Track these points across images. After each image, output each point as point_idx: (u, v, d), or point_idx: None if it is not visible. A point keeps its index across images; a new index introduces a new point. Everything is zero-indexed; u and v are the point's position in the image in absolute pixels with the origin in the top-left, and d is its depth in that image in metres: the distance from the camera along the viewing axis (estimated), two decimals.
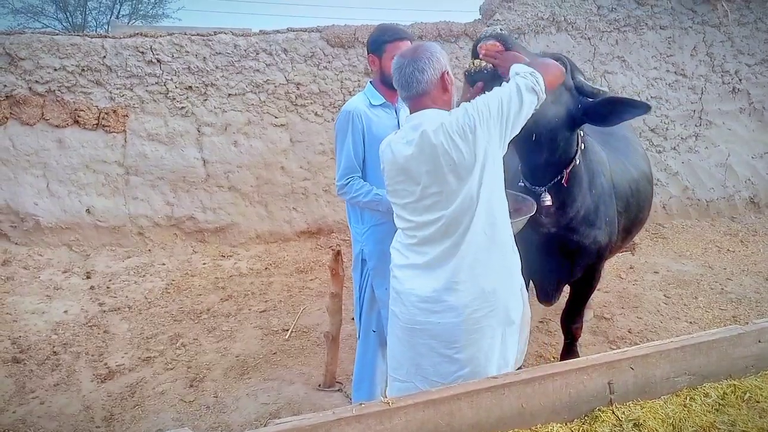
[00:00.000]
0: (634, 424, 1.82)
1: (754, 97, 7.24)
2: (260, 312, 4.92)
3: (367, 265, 3.02)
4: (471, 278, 2.10)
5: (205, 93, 5.92)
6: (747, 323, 2.20)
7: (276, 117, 6.10)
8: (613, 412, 1.89)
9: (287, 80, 6.04)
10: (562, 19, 6.56)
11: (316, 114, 6.18)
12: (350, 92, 6.18)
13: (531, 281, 3.46)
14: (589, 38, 6.71)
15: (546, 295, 3.44)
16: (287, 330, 4.60)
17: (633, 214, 3.45)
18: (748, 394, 2.00)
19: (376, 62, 2.93)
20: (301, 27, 6.07)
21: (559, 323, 3.72)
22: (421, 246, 2.16)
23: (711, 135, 7.16)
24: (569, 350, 3.75)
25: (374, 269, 3.00)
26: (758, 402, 1.98)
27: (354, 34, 6.08)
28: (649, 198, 3.65)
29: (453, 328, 2.12)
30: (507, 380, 1.79)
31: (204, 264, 5.82)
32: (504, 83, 2.13)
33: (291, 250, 6.19)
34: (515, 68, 2.17)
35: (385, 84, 2.94)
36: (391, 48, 2.87)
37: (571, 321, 3.65)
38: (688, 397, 2.02)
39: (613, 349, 4.27)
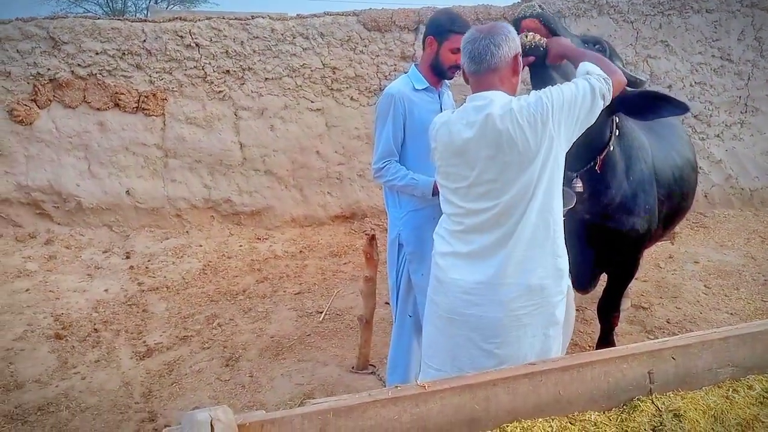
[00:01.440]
0: (675, 415, 1.77)
1: None
2: (295, 294, 4.97)
3: (404, 249, 3.01)
4: (519, 273, 2.03)
5: (242, 77, 5.96)
6: None
7: (312, 101, 6.12)
8: (653, 402, 1.85)
9: (323, 64, 6.04)
10: (604, 2, 6.40)
11: (351, 99, 6.18)
12: (386, 77, 6.16)
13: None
14: (631, 22, 6.53)
15: (582, 284, 3.38)
16: (321, 312, 4.63)
17: (676, 203, 3.37)
18: None
19: (433, 45, 2.86)
20: (338, 11, 6.05)
21: (595, 311, 3.66)
22: (469, 234, 2.09)
23: (757, 122, 6.94)
24: (606, 339, 3.68)
25: (411, 254, 2.99)
26: None
27: (391, 18, 6.04)
28: (693, 186, 3.56)
29: (495, 323, 2.06)
30: (545, 367, 1.76)
31: (240, 246, 5.90)
32: (576, 79, 2.07)
33: (325, 234, 6.23)
34: (587, 66, 2.12)
35: (433, 69, 2.90)
36: (455, 39, 2.78)
37: (609, 310, 3.57)
38: (731, 389, 1.96)
39: (651, 339, 4.22)
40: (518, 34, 2.45)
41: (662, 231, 3.47)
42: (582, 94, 2.01)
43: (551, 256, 2.07)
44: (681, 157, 3.42)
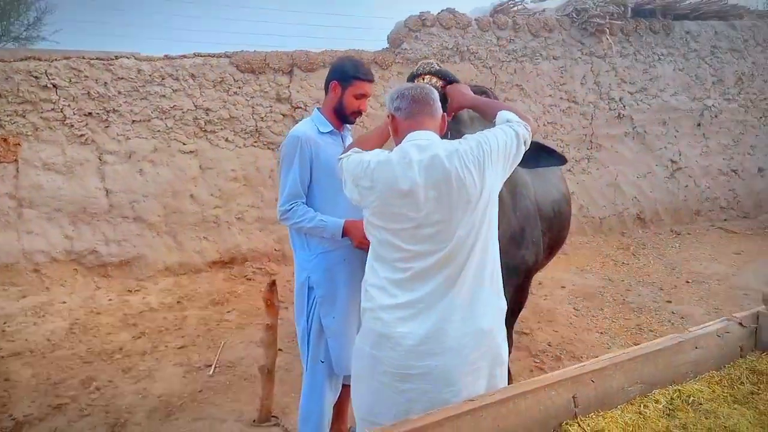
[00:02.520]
0: None
1: (636, 122, 7.90)
2: (178, 348, 4.67)
3: (314, 293, 2.96)
4: (469, 317, 2.03)
5: (106, 119, 5.61)
6: (686, 331, 2.35)
7: (184, 144, 5.89)
8: (579, 425, 1.96)
9: (196, 106, 5.86)
10: (465, 49, 6.85)
11: (226, 140, 6.03)
12: (262, 118, 6.10)
13: None
14: (490, 67, 7.04)
15: None
16: (210, 366, 4.39)
17: (556, 233, 3.63)
18: (692, 398, 2.13)
19: (337, 90, 2.87)
20: (209, 52, 5.92)
21: None
22: (414, 281, 2.03)
23: (601, 157, 7.72)
24: None
25: (322, 297, 2.94)
26: (701, 404, 2.12)
27: (265, 60, 6.02)
28: (569, 217, 3.87)
29: (452, 370, 2.01)
30: (484, 402, 1.80)
31: (109, 300, 5.46)
32: (501, 126, 2.15)
33: (203, 282, 5.96)
34: (506, 115, 2.21)
35: (336, 113, 2.92)
36: (358, 85, 2.84)
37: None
38: (641, 405, 2.13)
39: (536, 362, 4.48)
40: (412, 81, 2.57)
41: (546, 259, 3.73)
42: (510, 140, 2.10)
43: (495, 297, 2.11)
44: (558, 192, 3.71)
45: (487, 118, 2.37)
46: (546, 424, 1.93)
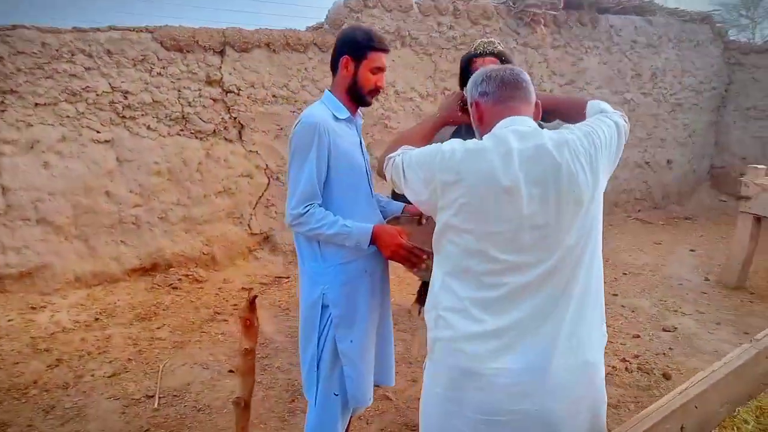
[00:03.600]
0: None
1: None
2: (108, 377, 3.91)
3: (328, 313, 2.45)
4: (575, 347, 1.63)
5: (2, 102, 4.63)
6: (751, 340, 2.21)
7: (98, 132, 5.03)
8: None
9: (112, 88, 5.01)
10: (407, 34, 6.46)
11: (149, 128, 5.22)
12: (189, 103, 5.35)
13: None
14: (430, 54, 6.70)
15: None
16: (152, 396, 3.71)
17: None
18: None
19: (350, 67, 2.40)
20: (127, 26, 5.07)
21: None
22: (507, 302, 1.62)
23: None
24: None
25: (339, 318, 2.44)
26: None
27: (193, 37, 5.27)
28: None
29: (552, 414, 1.62)
30: None
31: (9, 321, 4.53)
32: (600, 117, 1.80)
33: (122, 294, 5.15)
34: (600, 105, 1.89)
35: (351, 94, 2.44)
36: (374, 57, 2.38)
37: None
38: (734, 428, 1.99)
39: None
40: (470, 72, 2.16)
41: None
42: (613, 134, 1.76)
43: (600, 321, 1.73)
44: None
45: (571, 119, 1.97)
46: None
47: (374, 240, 2.34)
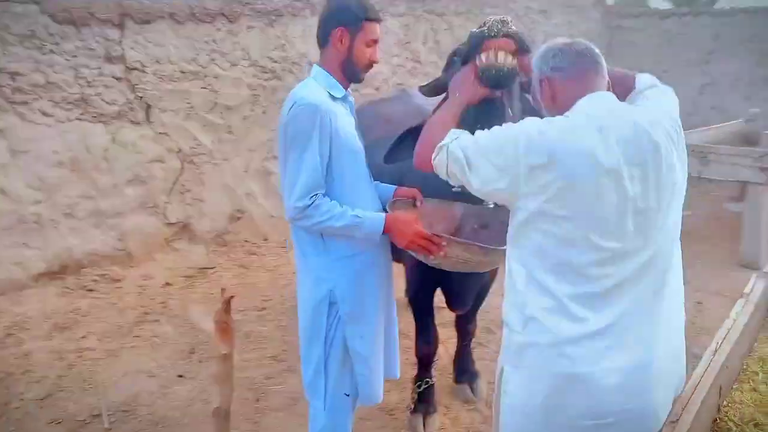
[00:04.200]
0: None
1: None
2: (41, 399, 3.45)
3: (335, 309, 2.26)
4: (671, 337, 1.59)
5: None
6: None
7: None
8: None
9: None
10: (317, 2, 6.15)
11: (44, 113, 4.58)
12: (89, 83, 4.77)
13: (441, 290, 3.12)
14: None
15: (464, 302, 3.18)
16: (99, 415, 3.32)
17: None
18: None
19: (345, 39, 2.18)
20: None
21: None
22: (612, 295, 1.51)
23: None
24: (466, 350, 3.56)
25: (349, 315, 2.26)
26: None
27: (88, 9, 4.66)
28: None
29: (656, 408, 1.57)
30: None
31: None
32: (658, 90, 1.72)
33: (31, 302, 4.54)
34: (646, 78, 1.78)
35: (345, 70, 2.23)
36: (370, 29, 2.19)
37: (470, 320, 3.46)
38: (749, 381, 2.21)
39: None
40: (480, 51, 2.03)
41: None
42: (677, 110, 1.71)
43: (682, 308, 1.69)
44: None
45: (620, 96, 1.76)
46: None
47: (388, 229, 2.17)
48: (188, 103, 5.39)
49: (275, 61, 5.93)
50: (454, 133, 1.78)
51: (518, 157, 1.52)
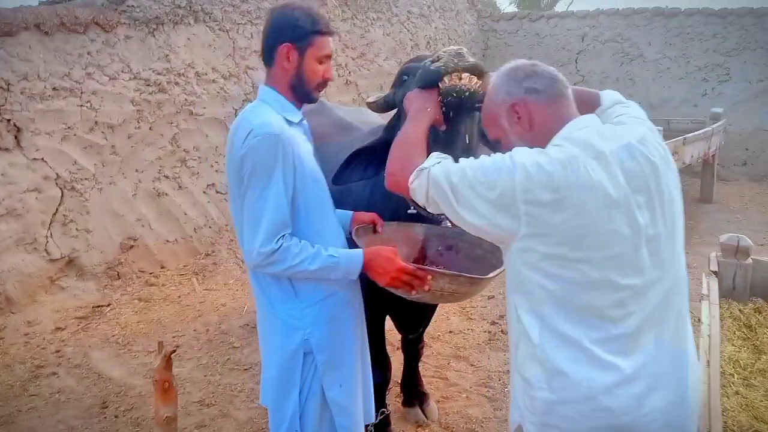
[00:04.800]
0: None
1: (361, 88, 7.87)
2: None
3: (311, 359, 1.99)
4: (694, 357, 1.52)
5: None
6: None
7: None
8: None
9: None
10: (200, 8, 5.75)
11: None
12: None
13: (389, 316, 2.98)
14: (227, 31, 6.09)
15: (417, 327, 3.13)
16: None
17: None
18: None
19: (292, 57, 1.92)
20: None
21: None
22: (636, 334, 1.40)
23: None
24: (414, 372, 3.40)
25: (326, 363, 2.00)
26: None
27: None
28: None
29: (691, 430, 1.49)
30: None
31: None
32: (629, 107, 1.65)
33: None
34: (612, 95, 1.72)
35: (295, 90, 1.98)
36: (321, 44, 1.94)
37: (418, 341, 3.30)
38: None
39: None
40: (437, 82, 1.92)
41: None
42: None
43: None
44: None
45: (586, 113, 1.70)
46: None
47: (367, 267, 1.94)
48: (64, 123, 4.79)
49: (159, 73, 5.45)
50: (437, 157, 1.61)
51: (515, 194, 1.38)
